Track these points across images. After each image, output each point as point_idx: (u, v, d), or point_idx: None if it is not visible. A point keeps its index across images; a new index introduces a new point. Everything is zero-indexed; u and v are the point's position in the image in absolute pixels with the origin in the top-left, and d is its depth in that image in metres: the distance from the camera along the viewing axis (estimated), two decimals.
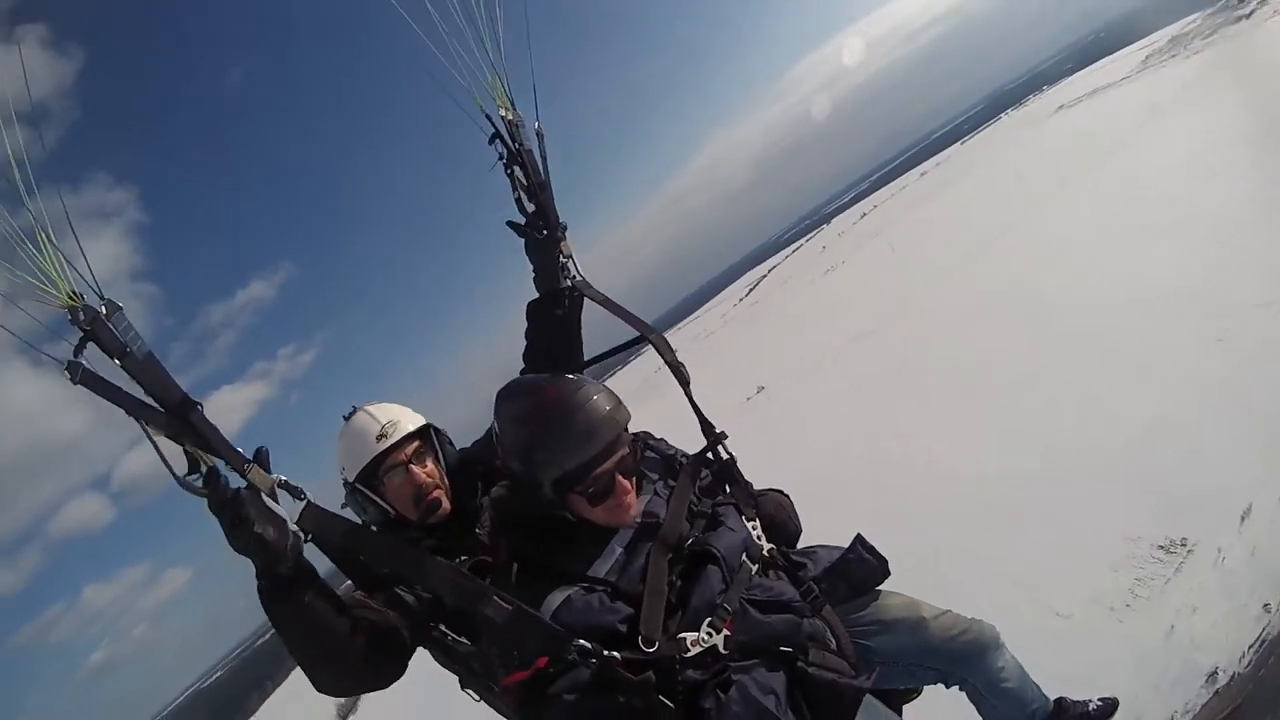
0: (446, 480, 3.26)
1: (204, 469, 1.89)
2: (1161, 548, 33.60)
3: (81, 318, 1.74)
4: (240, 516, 1.95)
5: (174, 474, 1.87)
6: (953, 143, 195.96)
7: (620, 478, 2.53)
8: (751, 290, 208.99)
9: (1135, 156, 65.25)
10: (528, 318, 3.17)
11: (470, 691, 2.92)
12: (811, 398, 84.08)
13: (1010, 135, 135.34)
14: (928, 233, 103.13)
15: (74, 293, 1.74)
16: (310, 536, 2.13)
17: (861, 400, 69.24)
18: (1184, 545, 33.13)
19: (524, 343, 3.22)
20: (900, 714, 2.99)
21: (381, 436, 3.13)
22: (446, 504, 3.17)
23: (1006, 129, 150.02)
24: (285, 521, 2.03)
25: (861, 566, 2.84)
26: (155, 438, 1.82)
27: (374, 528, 3.09)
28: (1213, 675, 23.36)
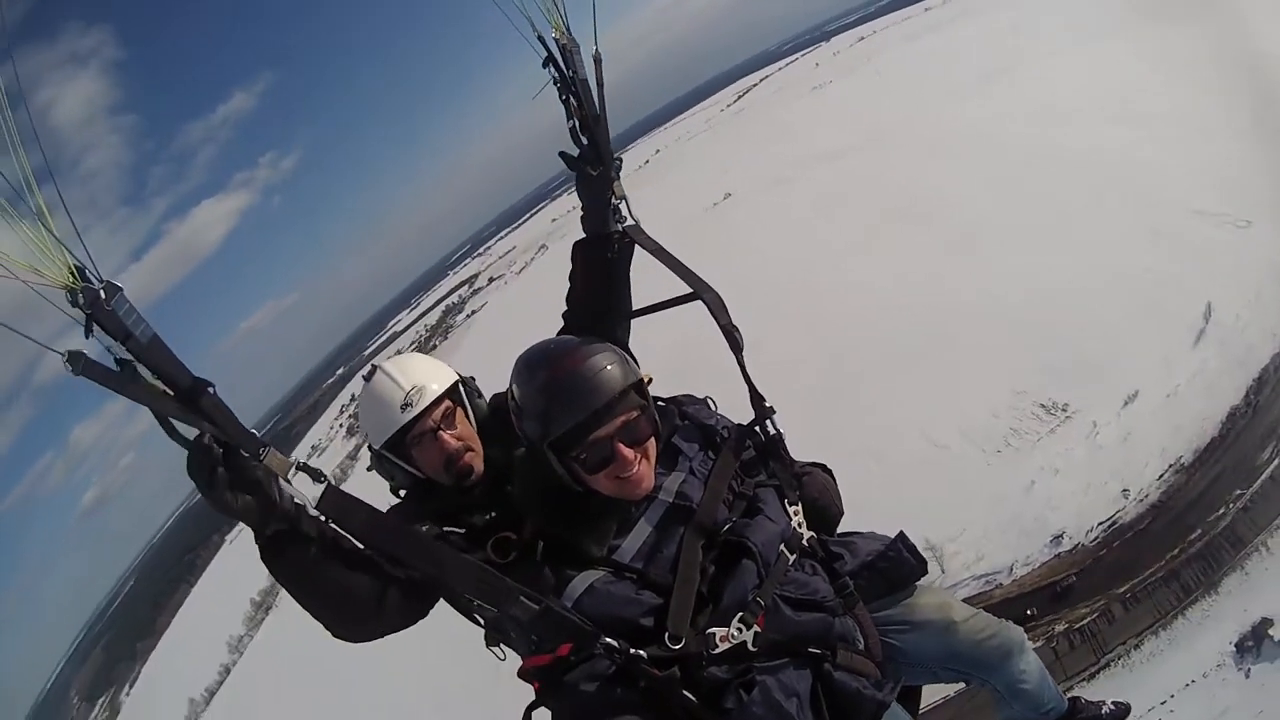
0: (478, 438, 2.72)
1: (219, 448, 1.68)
2: (1043, 406, 34.35)
3: (81, 300, 1.48)
4: (256, 480, 1.74)
5: (181, 440, 1.65)
6: None
7: (622, 447, 2.07)
8: (740, 98, 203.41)
9: (1136, 44, 62.68)
10: (572, 259, 2.65)
11: (496, 650, 2.49)
12: (772, 210, 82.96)
13: None
14: (918, 67, 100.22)
15: (75, 271, 1.48)
16: (330, 520, 1.84)
17: (818, 218, 68.79)
18: (1064, 410, 33.80)
19: (567, 285, 2.71)
20: (919, 700, 2.73)
21: (406, 406, 2.60)
22: (479, 466, 2.64)
23: None
24: (305, 506, 1.78)
25: (900, 566, 2.41)
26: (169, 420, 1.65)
27: (403, 491, 2.72)
28: (1058, 538, 25.88)
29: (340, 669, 43.82)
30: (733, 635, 1.97)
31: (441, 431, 2.63)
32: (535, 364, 2.15)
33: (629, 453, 2.09)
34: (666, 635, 1.93)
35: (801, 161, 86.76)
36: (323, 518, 1.86)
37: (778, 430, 2.45)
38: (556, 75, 2.36)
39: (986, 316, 40.24)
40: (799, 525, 2.29)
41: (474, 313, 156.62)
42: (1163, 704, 23.39)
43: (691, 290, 2.54)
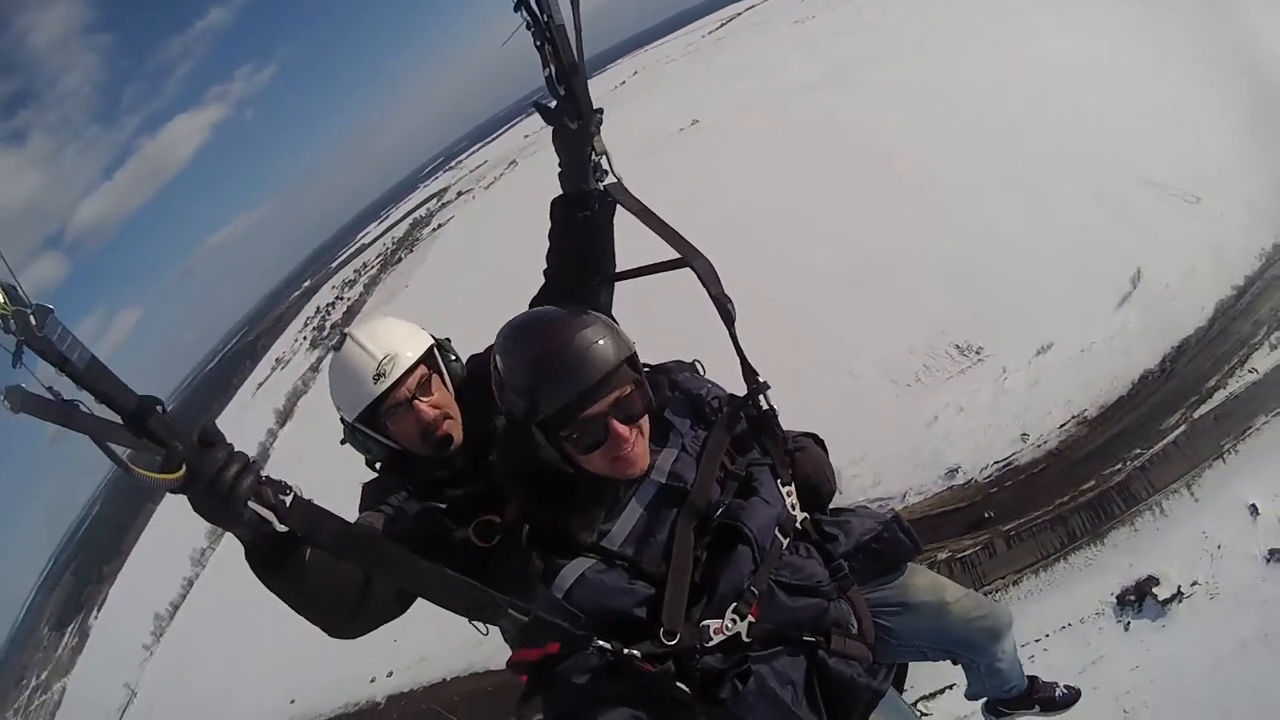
0: (456, 404, 2.53)
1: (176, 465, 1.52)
2: (958, 347, 33.11)
3: (14, 326, 1.32)
4: (230, 506, 1.57)
5: (134, 471, 1.49)
6: None
7: (616, 424, 1.94)
8: (723, 25, 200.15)
9: (1126, 13, 61.15)
10: (550, 217, 2.41)
11: (478, 625, 2.13)
12: (735, 139, 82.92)
13: None
14: (901, 10, 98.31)
15: (7, 293, 1.33)
16: (299, 535, 1.68)
17: (777, 150, 68.31)
18: (978, 353, 32.64)
19: (547, 244, 2.52)
20: (904, 678, 2.61)
21: (379, 376, 2.37)
22: (457, 434, 2.47)
23: None
24: (271, 523, 1.65)
25: (896, 548, 2.28)
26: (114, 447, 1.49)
27: (379, 465, 2.56)
28: (953, 471, 22.66)
29: None
30: (727, 627, 1.91)
31: (417, 401, 2.50)
32: (521, 336, 2.02)
33: (624, 430, 1.98)
34: (661, 630, 1.86)
35: (770, 94, 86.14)
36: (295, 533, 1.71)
37: (770, 406, 2.34)
38: (529, 19, 2.13)
39: (921, 257, 39.76)
40: (792, 507, 2.21)
41: (440, 226, 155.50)
42: (1036, 641, 22.84)
43: (679, 256, 2.34)
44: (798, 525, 2.20)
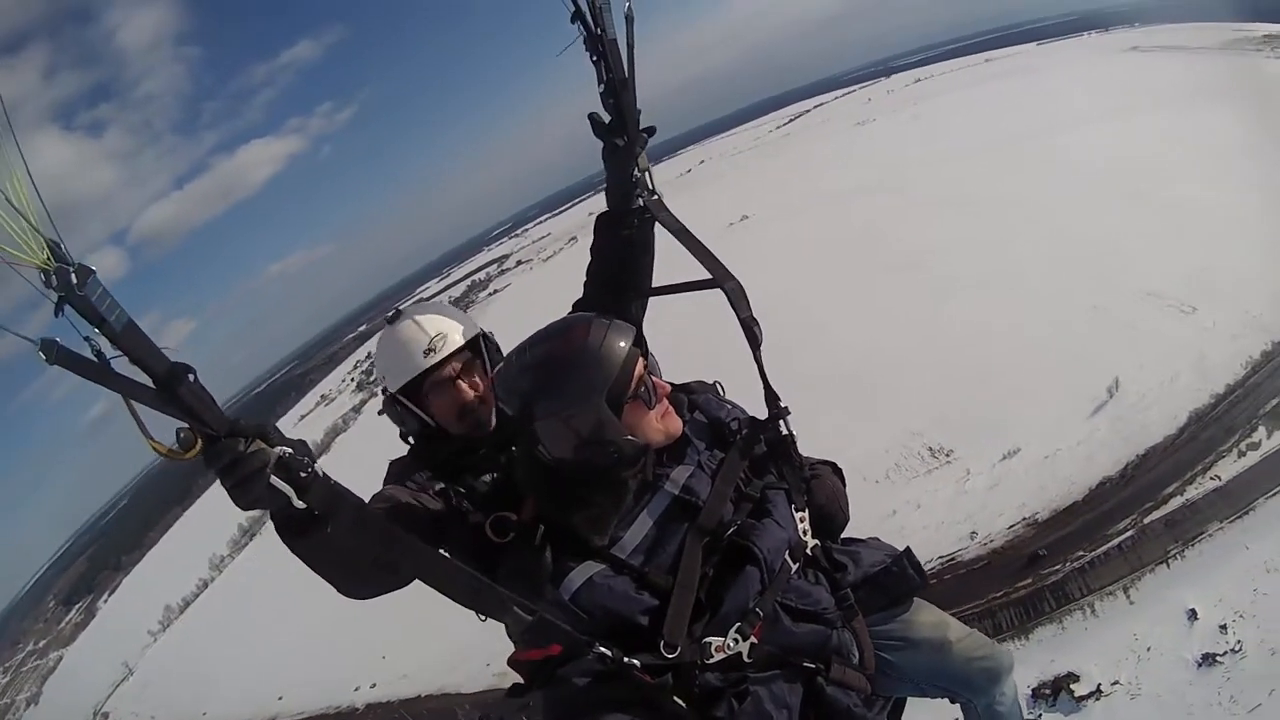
0: (493, 394, 2.65)
1: (191, 437, 1.53)
2: (930, 449, 37.74)
3: (55, 282, 1.32)
4: (246, 478, 1.58)
5: (156, 445, 1.49)
6: (1031, 40, 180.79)
7: (657, 379, 2.11)
8: (791, 121, 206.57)
9: (1179, 123, 61.52)
10: (595, 232, 2.55)
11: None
12: (780, 239, 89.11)
13: (1081, 54, 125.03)
14: (955, 118, 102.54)
15: (52, 250, 1.32)
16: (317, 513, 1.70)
17: (814, 252, 73.33)
18: (947, 456, 36.92)
19: (589, 258, 2.63)
20: (902, 713, 2.61)
21: (429, 351, 2.58)
22: (491, 421, 2.63)
23: (1081, 47, 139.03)
24: (289, 499, 1.61)
25: (902, 582, 2.29)
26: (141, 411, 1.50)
27: (411, 438, 2.66)
28: None
29: (307, 592, 47.89)
30: (728, 645, 1.90)
31: (459, 380, 2.56)
32: (560, 345, 2.01)
33: (666, 385, 2.11)
34: (662, 642, 1.84)
35: (820, 195, 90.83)
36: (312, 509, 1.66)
37: (790, 431, 2.27)
38: (584, 32, 2.19)
39: (918, 363, 42.85)
40: (805, 533, 2.14)
41: (496, 292, 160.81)
42: None
43: (711, 276, 2.37)
44: (808, 551, 2.10)
